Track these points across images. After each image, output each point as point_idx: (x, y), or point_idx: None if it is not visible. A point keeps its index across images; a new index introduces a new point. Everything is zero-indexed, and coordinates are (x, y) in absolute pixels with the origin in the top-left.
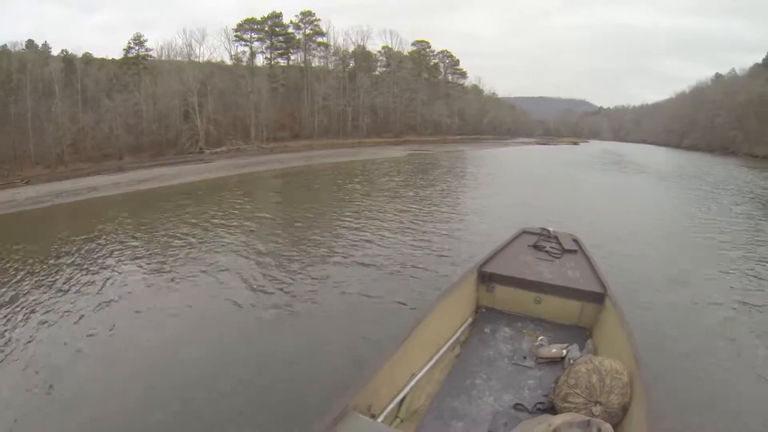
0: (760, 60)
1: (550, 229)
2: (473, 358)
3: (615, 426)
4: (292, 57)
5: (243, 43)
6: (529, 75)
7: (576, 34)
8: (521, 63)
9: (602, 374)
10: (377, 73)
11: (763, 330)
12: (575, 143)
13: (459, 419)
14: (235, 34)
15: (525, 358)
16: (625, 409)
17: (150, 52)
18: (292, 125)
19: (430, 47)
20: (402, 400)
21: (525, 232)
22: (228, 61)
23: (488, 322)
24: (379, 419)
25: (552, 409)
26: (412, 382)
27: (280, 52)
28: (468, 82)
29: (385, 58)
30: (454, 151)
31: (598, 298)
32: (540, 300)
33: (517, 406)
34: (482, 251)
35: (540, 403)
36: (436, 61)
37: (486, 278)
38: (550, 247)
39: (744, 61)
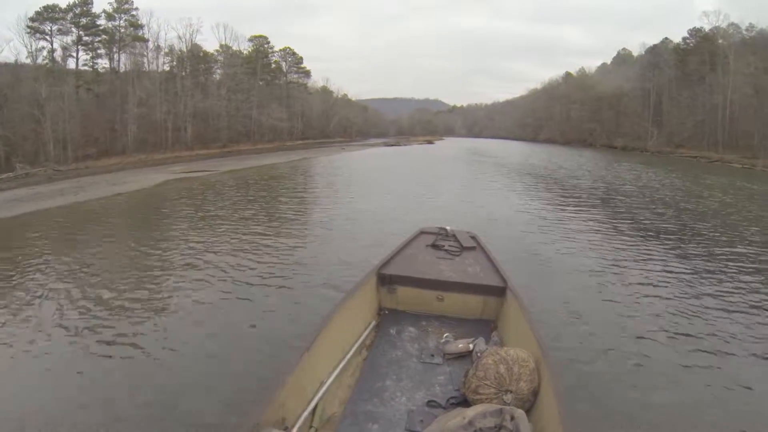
0: (598, 62)
1: (448, 227)
2: (381, 360)
3: (527, 411)
4: (116, 57)
5: (40, 37)
6: (383, 78)
7: (424, 38)
8: (374, 66)
9: (509, 363)
10: (218, 76)
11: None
12: (429, 142)
13: (374, 422)
14: (28, 25)
15: (433, 355)
16: (535, 393)
17: None
18: (104, 139)
19: (269, 43)
20: (314, 409)
21: (423, 232)
22: (24, 61)
23: (392, 323)
24: (293, 431)
25: (465, 402)
26: (323, 390)
27: (87, 48)
28: (315, 83)
29: (223, 58)
30: (258, 168)
31: (500, 291)
32: (442, 298)
33: (431, 403)
34: None
35: (453, 397)
36: (276, 59)
37: (386, 280)
38: (449, 246)
39: (580, 64)
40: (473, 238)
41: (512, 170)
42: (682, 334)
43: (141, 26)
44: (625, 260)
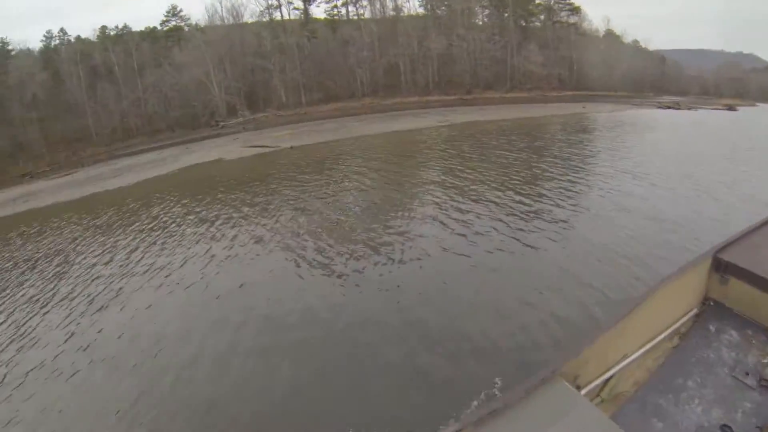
0: None
1: None
2: (690, 356)
3: None
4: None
5: None
6: (686, 25)
7: None
8: (674, 10)
9: None
10: (481, 21)
11: None
12: (731, 108)
13: (660, 419)
14: None
15: (747, 374)
16: None
17: (185, 23)
18: (330, 86)
19: None
20: (608, 380)
21: None
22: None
23: (714, 318)
24: (583, 392)
25: None
26: (622, 364)
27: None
28: (591, 24)
29: None
30: (382, 135)
31: None
32: None
33: (724, 428)
34: None
35: None
36: None
37: (721, 267)
38: None
39: None
40: None
41: None
42: None
43: None
44: None
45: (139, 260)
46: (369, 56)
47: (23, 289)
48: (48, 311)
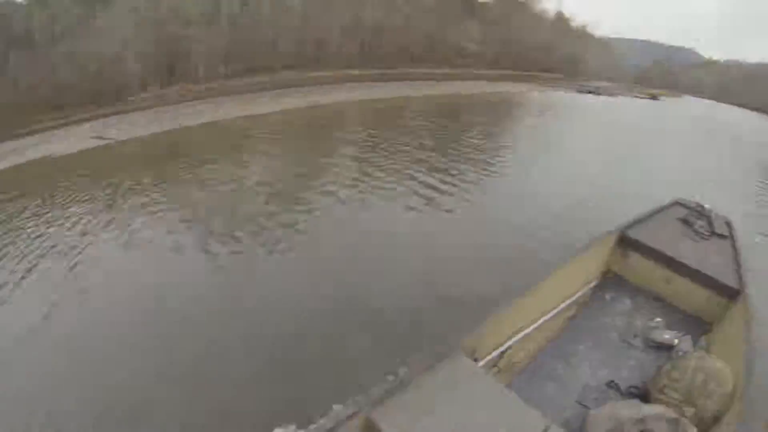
0: None
1: (707, 205)
2: (585, 324)
3: None
4: None
5: None
6: (631, 14)
7: None
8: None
9: (707, 376)
10: None
11: None
12: (654, 97)
13: (551, 381)
14: None
15: (635, 336)
16: (717, 418)
17: None
18: (247, 56)
19: None
20: (504, 352)
21: (678, 203)
22: None
23: (611, 289)
24: (480, 364)
25: (644, 397)
26: (518, 336)
27: None
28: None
29: None
30: None
31: (731, 293)
32: (670, 279)
33: (610, 384)
34: None
35: (634, 387)
36: None
37: (624, 243)
38: (699, 226)
39: None
40: (728, 224)
41: None
42: None
43: None
44: None
45: None
46: (295, 27)
47: None
48: None
